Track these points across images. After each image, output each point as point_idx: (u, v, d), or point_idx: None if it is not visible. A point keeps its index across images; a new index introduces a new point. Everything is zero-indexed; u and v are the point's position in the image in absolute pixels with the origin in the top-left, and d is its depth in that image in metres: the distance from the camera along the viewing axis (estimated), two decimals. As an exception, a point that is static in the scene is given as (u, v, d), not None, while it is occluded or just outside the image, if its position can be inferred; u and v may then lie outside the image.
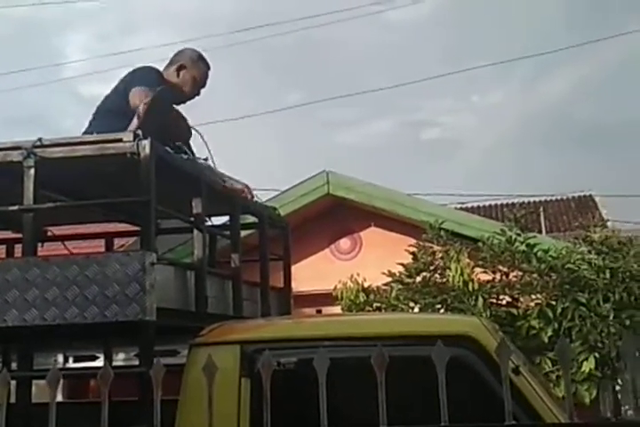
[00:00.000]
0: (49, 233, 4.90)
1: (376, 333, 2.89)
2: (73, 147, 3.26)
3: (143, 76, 4.28)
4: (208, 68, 4.56)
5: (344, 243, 10.88)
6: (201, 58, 4.55)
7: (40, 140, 3.23)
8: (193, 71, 4.48)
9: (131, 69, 4.37)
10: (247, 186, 4.52)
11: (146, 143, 3.17)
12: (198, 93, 4.58)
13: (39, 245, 4.44)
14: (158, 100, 4.07)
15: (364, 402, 2.84)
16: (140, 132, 3.23)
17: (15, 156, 3.22)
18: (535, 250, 7.95)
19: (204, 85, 4.58)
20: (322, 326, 3.26)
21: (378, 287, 8.04)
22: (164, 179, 3.28)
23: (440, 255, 8.11)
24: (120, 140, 3.22)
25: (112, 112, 4.17)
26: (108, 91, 4.37)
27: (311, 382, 2.18)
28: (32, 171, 3.18)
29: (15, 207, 3.22)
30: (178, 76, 4.46)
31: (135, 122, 3.80)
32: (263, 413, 2.17)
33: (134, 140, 3.17)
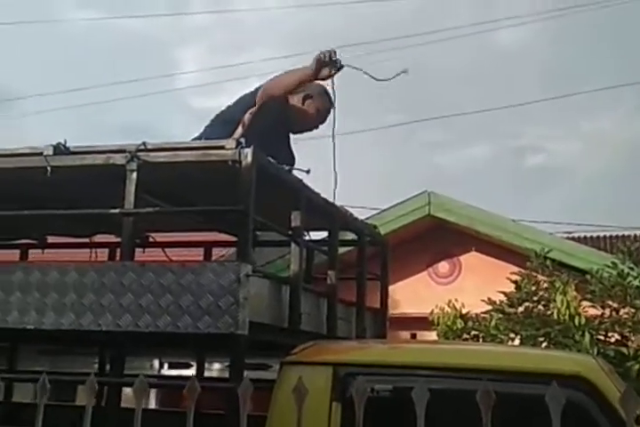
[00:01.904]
0: (150, 239, 4.95)
1: (481, 365, 2.67)
2: (175, 152, 3.21)
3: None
4: (332, 104, 4.54)
5: (442, 266, 10.59)
6: (326, 93, 4.54)
7: (144, 144, 3.21)
8: (318, 103, 4.50)
9: (258, 86, 4.37)
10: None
11: (248, 151, 3.08)
12: (317, 127, 4.58)
13: (141, 250, 4.51)
14: (267, 113, 4.05)
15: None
16: (243, 140, 3.15)
17: (119, 159, 3.20)
18: (650, 286, 7.45)
19: (324, 120, 4.56)
20: (423, 353, 3.06)
21: (477, 315, 7.73)
22: (264, 189, 3.18)
23: (545, 286, 7.73)
24: (222, 148, 3.15)
25: (227, 122, 4.17)
26: (217, 102, 4.38)
27: (406, 413, 2.00)
28: (134, 174, 3.16)
29: (116, 210, 3.20)
30: (303, 104, 4.49)
31: (240, 130, 3.75)
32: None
33: (237, 148, 3.09)
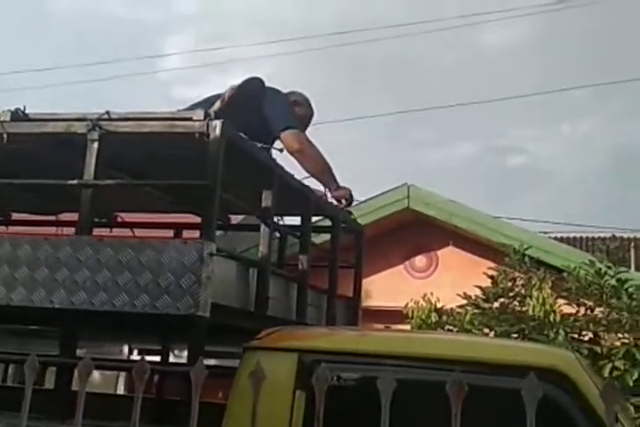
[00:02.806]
0: (118, 219, 4.76)
1: (453, 356, 2.52)
2: (140, 122, 3.03)
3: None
4: (313, 114, 4.69)
5: (419, 260, 10.45)
6: (309, 102, 4.68)
7: (107, 112, 3.03)
8: (303, 110, 4.58)
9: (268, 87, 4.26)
10: (350, 191, 4.32)
11: (217, 124, 2.91)
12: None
13: (108, 230, 4.31)
14: (246, 93, 3.90)
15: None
16: (212, 111, 2.97)
17: (80, 127, 3.01)
18: (626, 286, 7.39)
19: (306, 128, 4.59)
20: (394, 342, 2.90)
21: (452, 309, 7.62)
22: (234, 165, 3.01)
23: (521, 282, 7.65)
24: (190, 119, 2.97)
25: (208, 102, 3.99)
26: (196, 92, 4.24)
27: (374, 403, 1.86)
28: (95, 144, 2.97)
29: (74, 182, 3.02)
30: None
31: (218, 104, 3.58)
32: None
33: (205, 120, 2.91)
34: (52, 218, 4.99)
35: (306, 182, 3.98)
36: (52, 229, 4.85)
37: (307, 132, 4.51)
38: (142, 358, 2.02)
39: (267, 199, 3.38)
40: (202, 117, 2.92)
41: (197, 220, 4.71)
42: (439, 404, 1.92)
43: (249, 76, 4.13)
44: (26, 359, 2.01)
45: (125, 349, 9.50)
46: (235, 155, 3.02)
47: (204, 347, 2.80)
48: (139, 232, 4.76)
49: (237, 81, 4.11)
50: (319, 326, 3.80)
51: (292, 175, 3.72)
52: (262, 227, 3.41)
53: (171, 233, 5.02)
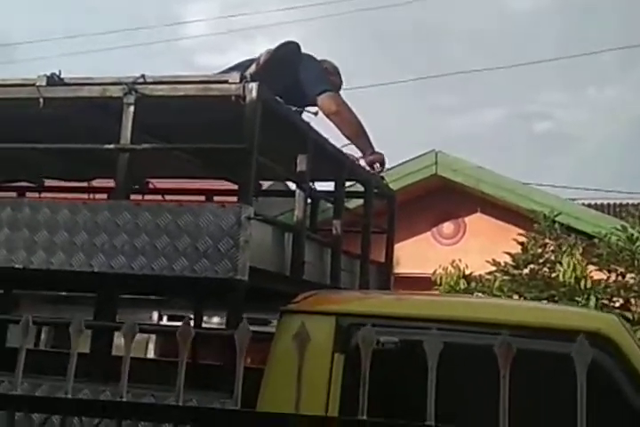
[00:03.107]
0: (150, 186, 4.76)
1: (496, 319, 2.50)
2: (175, 85, 3.00)
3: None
4: (342, 83, 4.64)
5: (447, 227, 10.41)
6: (339, 71, 4.64)
7: (143, 76, 3.00)
8: (332, 78, 4.51)
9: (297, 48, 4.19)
10: (383, 156, 4.29)
11: (253, 86, 2.87)
12: None
13: (140, 197, 4.32)
14: (282, 57, 3.86)
15: (471, 397, 2.48)
16: (248, 74, 2.93)
17: (115, 91, 2.99)
18: (659, 251, 7.31)
19: None
20: (432, 305, 2.89)
21: (480, 276, 7.60)
22: (269, 129, 2.98)
23: (551, 248, 7.60)
24: (226, 82, 2.94)
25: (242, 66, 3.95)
26: (221, 60, 4.19)
27: (412, 367, 1.85)
28: (132, 108, 2.95)
29: (111, 146, 3.01)
30: None
31: (253, 67, 3.54)
32: (357, 393, 1.85)
33: (241, 82, 2.88)
34: (84, 184, 5.02)
35: (340, 148, 3.94)
36: (84, 196, 4.89)
37: None
38: (187, 322, 2.02)
39: (302, 164, 3.36)
40: (237, 80, 2.89)
41: (229, 186, 4.74)
42: (483, 368, 1.91)
43: (285, 40, 4.07)
44: (70, 322, 2.02)
45: (155, 315, 9.62)
46: (271, 118, 2.99)
47: (242, 311, 2.81)
48: (170, 199, 4.78)
49: (268, 46, 4.07)
50: (355, 291, 3.80)
51: (327, 139, 3.68)
52: (297, 192, 3.38)
53: (202, 199, 5.04)
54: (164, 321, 9.42)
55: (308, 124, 3.52)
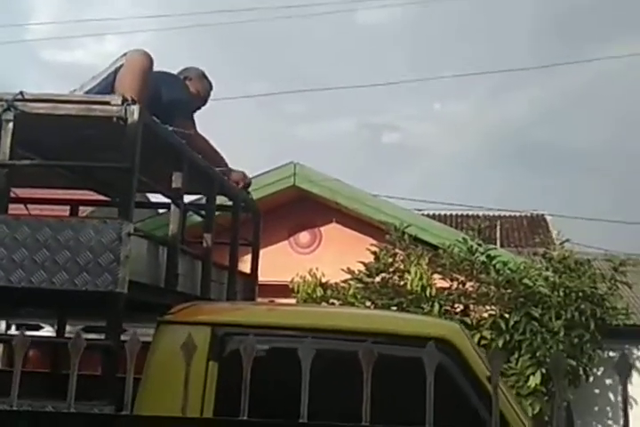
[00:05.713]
0: (12, 195, 4.70)
1: (356, 328, 2.81)
2: (57, 104, 3.09)
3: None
4: (211, 86, 4.73)
5: (304, 236, 10.78)
6: (205, 76, 4.72)
7: (22, 93, 3.06)
8: (198, 85, 4.63)
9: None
10: (245, 174, 4.50)
11: (134, 108, 3.02)
12: (199, 108, 4.67)
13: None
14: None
15: (330, 398, 2.76)
16: (129, 97, 3.08)
17: (-6, 107, 3.03)
18: (494, 262, 8.02)
19: (205, 102, 4.71)
20: (301, 315, 3.17)
21: (336, 283, 7.99)
22: (148, 149, 3.14)
23: (401, 258, 8.11)
24: (108, 103, 3.06)
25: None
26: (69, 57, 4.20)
27: (282, 373, 2.08)
28: (11, 125, 3.01)
29: (-10, 161, 3.04)
30: None
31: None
32: (230, 397, 2.07)
33: (123, 104, 3.02)
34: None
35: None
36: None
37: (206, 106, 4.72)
38: (78, 334, 2.15)
39: (177, 181, 3.53)
40: (119, 102, 3.02)
41: (94, 196, 4.79)
42: (343, 373, 2.17)
43: (135, 50, 4.10)
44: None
45: (2, 325, 9.28)
46: (150, 139, 3.14)
47: (121, 322, 2.94)
48: (32, 208, 4.75)
49: (118, 45, 4.15)
50: (227, 302, 4.00)
51: (200, 157, 3.87)
52: (172, 207, 3.55)
53: (64, 209, 5.04)
54: (13, 331, 9.10)
55: (182, 144, 3.69)
